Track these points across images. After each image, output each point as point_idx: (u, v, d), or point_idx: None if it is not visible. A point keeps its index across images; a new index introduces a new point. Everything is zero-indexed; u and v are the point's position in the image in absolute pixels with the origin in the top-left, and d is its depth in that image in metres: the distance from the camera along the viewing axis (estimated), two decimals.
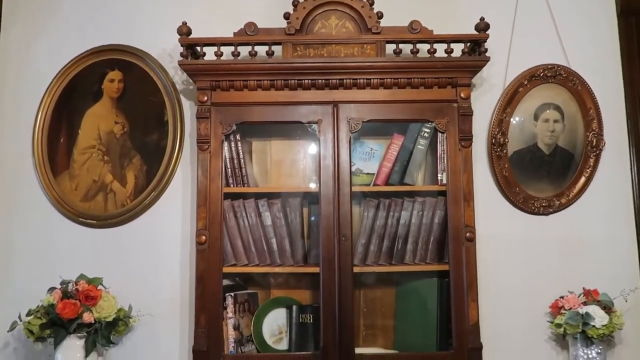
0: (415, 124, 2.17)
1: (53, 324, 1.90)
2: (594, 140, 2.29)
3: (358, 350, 1.99)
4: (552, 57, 2.33)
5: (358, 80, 2.06)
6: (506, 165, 2.27)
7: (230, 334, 2.03)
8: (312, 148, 2.24)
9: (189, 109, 2.33)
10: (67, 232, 2.27)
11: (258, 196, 2.14)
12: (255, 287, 2.23)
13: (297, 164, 2.29)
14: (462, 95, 2.07)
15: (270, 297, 2.21)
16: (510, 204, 2.29)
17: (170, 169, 2.27)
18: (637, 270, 2.28)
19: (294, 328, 2.08)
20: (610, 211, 2.31)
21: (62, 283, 1.99)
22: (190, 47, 2.09)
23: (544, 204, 2.28)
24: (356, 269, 2.03)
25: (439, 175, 2.15)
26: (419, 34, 2.11)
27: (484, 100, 2.31)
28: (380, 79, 2.06)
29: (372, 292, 2.23)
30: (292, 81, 2.06)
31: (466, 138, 2.06)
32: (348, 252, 1.99)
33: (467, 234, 2.00)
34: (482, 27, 2.08)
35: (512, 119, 2.29)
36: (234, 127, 2.08)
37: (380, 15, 2.10)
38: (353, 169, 2.10)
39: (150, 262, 2.25)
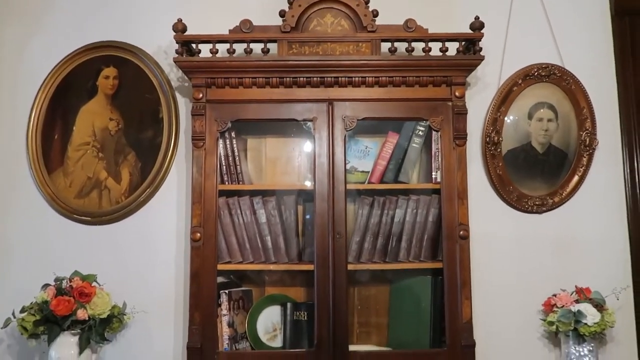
0: (410, 122, 2.18)
1: (47, 320, 1.90)
2: (587, 140, 2.31)
3: (352, 348, 2.00)
4: (547, 56, 2.35)
5: (353, 78, 2.06)
6: (500, 164, 2.28)
7: (225, 331, 2.04)
8: (307, 146, 2.24)
9: (184, 106, 2.33)
10: (62, 228, 2.26)
11: (253, 194, 2.14)
12: (249, 285, 2.23)
13: (292, 161, 2.29)
14: (456, 94, 2.08)
15: (265, 295, 2.21)
16: (504, 203, 2.30)
17: (165, 166, 2.26)
18: (629, 268, 2.30)
19: (288, 325, 2.08)
20: (602, 210, 2.32)
21: (56, 280, 1.99)
22: (186, 44, 2.08)
23: (537, 203, 2.30)
24: (350, 267, 2.04)
25: (433, 173, 2.16)
26: (414, 33, 2.11)
27: (479, 99, 2.32)
28: (375, 77, 2.07)
29: (366, 290, 2.23)
30: (288, 79, 2.06)
31: (460, 136, 2.07)
32: (342, 249, 1.99)
33: (461, 232, 2.01)
34: (477, 26, 2.09)
35: (506, 118, 2.30)
36: (229, 125, 2.08)
37: (375, 14, 2.11)
38: (348, 166, 2.11)
39: (144, 259, 2.25)
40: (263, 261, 2.10)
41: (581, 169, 2.31)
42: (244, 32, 2.11)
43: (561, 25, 2.38)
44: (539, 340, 2.24)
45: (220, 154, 2.09)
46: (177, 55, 2.06)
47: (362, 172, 2.20)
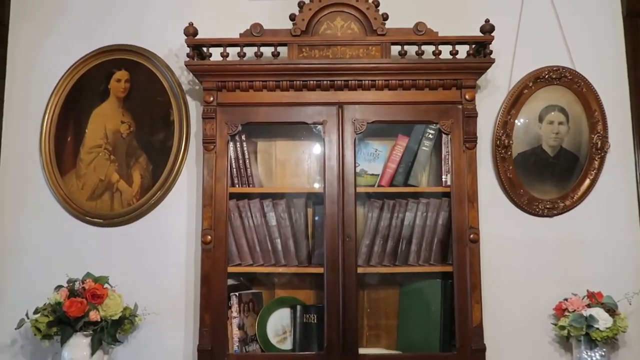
0: (420, 125, 2.18)
1: (60, 321, 1.92)
2: (599, 143, 2.29)
3: (362, 351, 2.00)
4: (557, 59, 2.33)
5: (363, 81, 2.07)
6: (510, 167, 2.28)
7: (235, 334, 2.04)
8: (316, 149, 2.25)
9: (194, 109, 2.34)
10: (74, 230, 2.28)
11: (263, 196, 2.15)
12: (259, 287, 2.24)
13: (302, 164, 2.30)
14: (466, 96, 2.08)
15: (275, 297, 2.22)
16: (515, 206, 2.29)
17: (176, 168, 2.28)
18: None
19: (298, 328, 2.09)
20: (614, 214, 2.30)
21: (68, 281, 2.01)
22: (197, 47, 2.10)
23: (548, 206, 2.28)
24: (360, 270, 2.04)
25: (443, 176, 2.16)
26: (424, 36, 2.11)
27: (489, 102, 2.31)
28: (385, 80, 2.07)
29: (375, 293, 2.23)
30: (298, 82, 2.07)
31: (471, 140, 2.06)
32: (352, 252, 1.99)
33: (471, 236, 2.01)
34: (487, 29, 2.09)
35: (516, 121, 2.30)
36: (240, 128, 2.09)
37: (385, 17, 2.11)
38: (357, 169, 2.11)
39: (155, 261, 2.26)
40: (273, 264, 2.11)
41: (593, 173, 2.29)
42: (255, 35, 2.12)
43: (572, 27, 2.37)
44: (550, 345, 2.23)
45: (230, 156, 2.10)
46: (188, 58, 2.07)
47: (372, 175, 2.21)
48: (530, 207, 2.28)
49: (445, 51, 2.09)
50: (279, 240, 2.11)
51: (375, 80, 2.07)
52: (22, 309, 2.03)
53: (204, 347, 1.96)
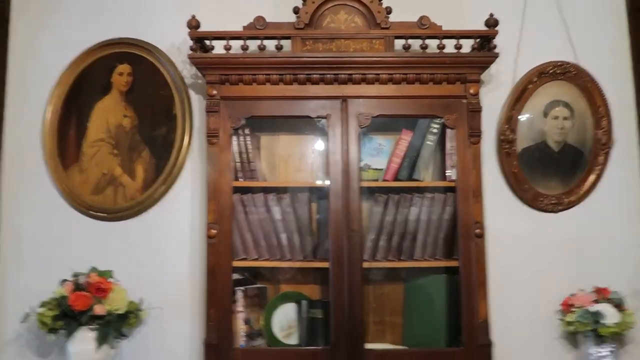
0: (424, 119, 2.17)
1: (65, 315, 1.91)
2: (604, 138, 2.29)
3: (368, 346, 1.99)
4: (562, 54, 2.33)
5: (367, 75, 2.06)
6: (515, 162, 2.27)
7: (241, 328, 2.04)
8: (320, 143, 2.23)
9: (197, 103, 2.33)
10: (78, 224, 2.27)
11: (267, 190, 2.14)
12: (264, 282, 2.23)
13: (306, 158, 2.29)
14: (471, 91, 2.07)
15: (280, 292, 2.21)
16: (520, 201, 2.29)
17: (179, 162, 2.27)
18: None
19: (303, 323, 2.08)
20: (619, 209, 2.30)
21: (73, 275, 2.00)
22: (200, 40, 2.09)
23: (553, 202, 2.28)
24: (365, 264, 2.03)
25: (447, 171, 2.15)
26: (428, 30, 2.10)
27: (493, 96, 2.30)
28: (389, 74, 2.06)
29: (380, 288, 2.22)
30: (301, 76, 2.06)
31: (475, 134, 2.05)
32: (357, 247, 1.99)
33: (477, 231, 2.00)
34: (492, 23, 2.08)
35: (520, 116, 2.29)
36: (243, 121, 2.08)
37: (389, 11, 2.10)
38: (361, 164, 2.10)
39: (159, 255, 2.25)
40: (278, 258, 2.10)
41: (598, 168, 2.29)
42: (258, 28, 2.11)
43: (576, 23, 2.37)
44: (557, 341, 2.22)
45: (234, 150, 2.09)
46: (190, 52, 2.06)
47: (376, 169, 2.20)
48: (535, 202, 2.28)
49: (449, 45, 2.08)
50: (284, 235, 2.10)
51: (379, 74, 2.06)
52: (27, 302, 2.03)
53: (210, 341, 1.95)
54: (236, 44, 2.11)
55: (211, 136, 2.04)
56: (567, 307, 2.12)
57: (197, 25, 2.08)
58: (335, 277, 1.97)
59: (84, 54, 2.34)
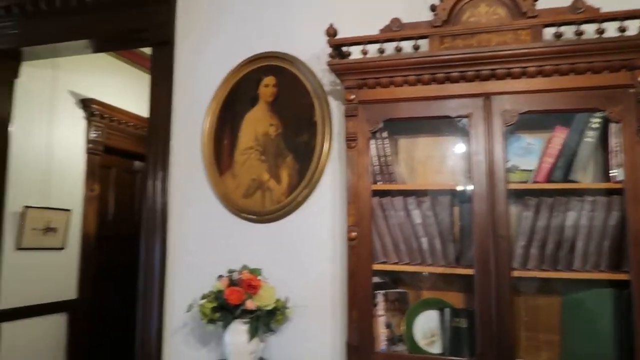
0: (582, 114, 1.95)
1: (222, 308, 2.09)
2: None
3: None
4: None
5: (512, 69, 1.91)
6: None
7: (382, 332, 2.04)
8: (461, 144, 2.14)
9: (336, 109, 2.40)
10: (232, 226, 2.48)
11: (406, 194, 2.11)
12: (403, 287, 2.20)
13: (446, 160, 2.21)
14: (639, 79, 1.81)
15: (421, 298, 2.16)
16: None
17: (320, 167, 2.35)
18: None
19: (446, 332, 2.00)
20: None
21: (228, 272, 2.19)
22: (337, 47, 2.14)
23: None
24: (515, 273, 1.89)
25: (611, 171, 1.90)
26: (583, 14, 1.89)
27: None
28: (538, 66, 1.89)
29: (533, 300, 2.04)
30: (440, 75, 1.99)
31: None
32: (505, 254, 1.85)
33: None
34: None
35: None
36: (381, 124, 2.08)
37: None
38: (508, 165, 1.96)
39: (303, 256, 2.36)
40: (419, 263, 2.05)
41: None
42: (394, 30, 2.09)
43: None
44: None
45: (372, 154, 2.10)
46: (329, 59, 2.12)
47: (525, 170, 2.03)
48: None
49: (611, 29, 1.84)
50: (424, 239, 2.05)
51: (526, 67, 1.90)
52: (191, 295, 2.30)
53: (352, 342, 1.97)
54: (373, 48, 2.12)
55: (350, 140, 2.08)
56: None
57: (335, 33, 2.13)
58: (481, 285, 1.87)
59: (235, 70, 2.55)
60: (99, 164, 3.92)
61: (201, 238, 2.53)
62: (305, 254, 2.36)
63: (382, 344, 2.03)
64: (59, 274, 3.54)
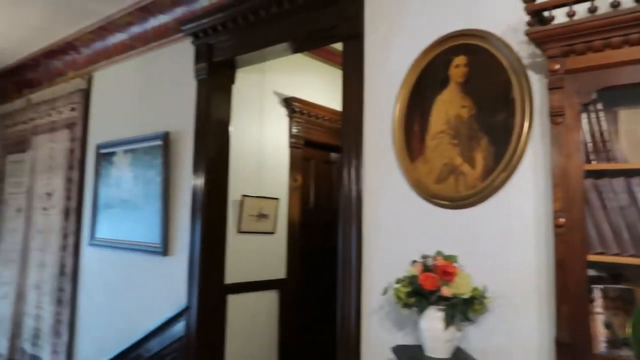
0: None
1: (416, 293, 2.09)
2: None
3: None
4: None
5: None
6: None
7: (600, 332, 1.77)
8: None
9: (537, 83, 2.16)
10: (423, 212, 2.44)
11: (629, 174, 1.79)
12: (627, 283, 1.87)
13: None
14: None
15: None
16: None
17: (520, 148, 2.15)
18: None
19: None
20: None
21: (422, 257, 2.17)
22: (537, 13, 1.92)
23: None
24: None
25: None
26: None
27: None
28: None
29: None
30: None
31: None
32: None
33: None
34: None
35: None
36: (594, 95, 1.81)
37: None
38: None
39: (501, 243, 2.19)
40: None
41: None
42: None
43: None
44: None
45: (584, 130, 1.84)
46: (528, 28, 1.92)
47: None
48: None
49: None
50: None
51: None
52: (387, 278, 2.34)
53: (563, 339, 1.77)
54: (580, 9, 1.85)
55: (555, 115, 1.85)
56: None
57: None
58: None
59: (423, 54, 2.50)
60: (301, 157, 4.28)
61: (394, 223, 2.56)
62: (503, 241, 2.19)
63: (601, 345, 1.77)
64: (270, 255, 3.99)
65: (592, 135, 1.86)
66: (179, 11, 3.72)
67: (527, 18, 1.95)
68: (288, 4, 3.03)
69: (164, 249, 3.67)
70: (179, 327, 3.48)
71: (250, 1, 3.17)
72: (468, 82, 2.34)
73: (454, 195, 2.33)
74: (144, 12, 3.85)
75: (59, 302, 4.59)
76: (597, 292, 1.80)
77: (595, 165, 1.84)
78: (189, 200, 3.52)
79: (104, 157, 4.31)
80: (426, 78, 2.49)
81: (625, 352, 1.77)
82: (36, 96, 5.31)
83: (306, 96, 4.27)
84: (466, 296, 2.02)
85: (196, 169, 3.50)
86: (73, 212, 4.59)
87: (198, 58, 3.58)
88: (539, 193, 2.11)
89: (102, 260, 4.29)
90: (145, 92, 4.09)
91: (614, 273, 1.89)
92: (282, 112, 4.15)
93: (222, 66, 3.54)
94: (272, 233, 3.97)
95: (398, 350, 2.25)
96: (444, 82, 2.42)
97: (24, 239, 5.17)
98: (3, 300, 5.31)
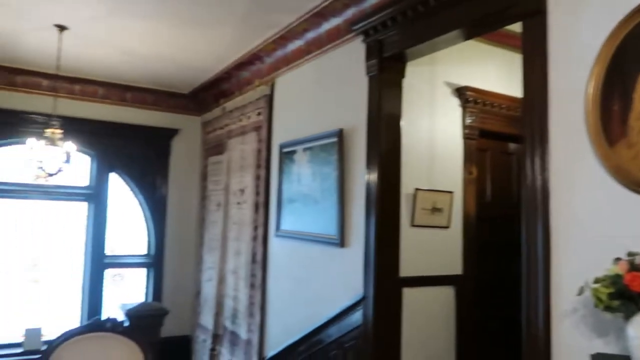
0: None
1: (621, 295, 1.83)
2: None
3: None
4: None
5: None
6: None
7: None
8: None
9: None
10: (625, 202, 2.13)
11: None
12: None
13: None
14: None
15: None
16: None
17: None
18: None
19: None
20: None
21: (628, 254, 1.89)
22: None
23: None
24: None
25: None
26: None
27: None
28: None
29: None
30: None
31: None
32: None
33: None
34: None
35: None
36: None
37: None
38: None
39: None
40: None
41: None
42: None
43: None
44: None
45: None
46: None
47: None
48: None
49: None
50: None
51: None
52: (582, 276, 2.09)
53: None
54: None
55: None
56: None
57: None
58: None
59: (621, 24, 2.17)
60: (476, 148, 4.09)
61: (588, 216, 2.28)
62: None
63: None
64: (445, 250, 3.90)
65: None
66: (350, 12, 3.86)
67: None
68: None
69: (341, 240, 3.86)
70: (357, 316, 3.62)
71: None
72: None
73: None
74: (318, 18, 4.09)
75: (252, 286, 5.16)
76: None
77: None
78: (363, 194, 3.64)
79: (286, 155, 4.71)
80: (626, 51, 2.16)
81: None
82: (229, 104, 6.05)
83: (480, 84, 4.06)
84: None
85: (369, 164, 3.60)
86: (262, 206, 5.12)
87: (369, 55, 3.67)
88: None
89: (286, 250, 4.69)
90: (320, 92, 4.35)
91: None
92: (455, 103, 4.02)
93: (393, 61, 3.57)
94: (446, 227, 3.88)
95: (599, 358, 2.00)
96: None
97: (223, 230, 5.94)
98: (209, 282, 6.18)
